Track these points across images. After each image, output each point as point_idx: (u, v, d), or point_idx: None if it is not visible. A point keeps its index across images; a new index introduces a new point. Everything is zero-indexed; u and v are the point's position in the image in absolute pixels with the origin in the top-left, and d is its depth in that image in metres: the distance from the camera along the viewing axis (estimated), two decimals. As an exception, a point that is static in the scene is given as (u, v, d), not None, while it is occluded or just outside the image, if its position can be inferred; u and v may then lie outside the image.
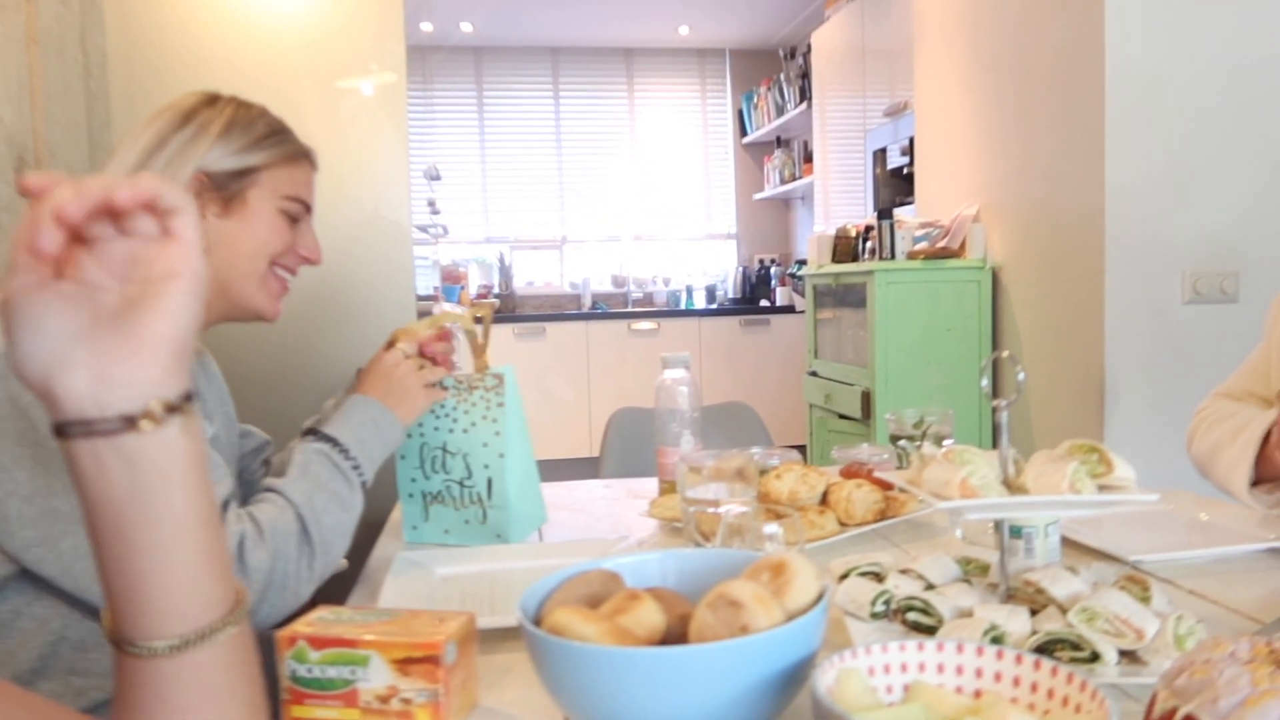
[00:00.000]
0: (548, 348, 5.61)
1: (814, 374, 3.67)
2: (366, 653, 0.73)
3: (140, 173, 0.46)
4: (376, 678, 0.73)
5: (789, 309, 5.95)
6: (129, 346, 0.47)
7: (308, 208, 1.21)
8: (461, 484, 1.28)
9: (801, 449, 4.13)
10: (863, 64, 4.43)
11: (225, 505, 0.99)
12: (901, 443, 1.37)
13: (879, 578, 0.93)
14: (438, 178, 5.50)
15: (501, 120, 6.46)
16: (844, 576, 0.94)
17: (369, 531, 1.44)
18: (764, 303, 6.31)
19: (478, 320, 1.33)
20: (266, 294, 1.17)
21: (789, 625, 0.64)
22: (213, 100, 1.16)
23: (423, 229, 5.57)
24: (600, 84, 6.58)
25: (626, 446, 2.27)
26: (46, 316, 0.46)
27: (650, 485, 1.63)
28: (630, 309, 6.38)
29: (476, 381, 1.28)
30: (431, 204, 5.48)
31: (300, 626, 0.75)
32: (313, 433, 1.15)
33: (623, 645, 0.65)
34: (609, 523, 1.41)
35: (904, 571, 0.92)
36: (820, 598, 0.68)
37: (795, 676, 0.64)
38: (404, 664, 0.73)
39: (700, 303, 6.52)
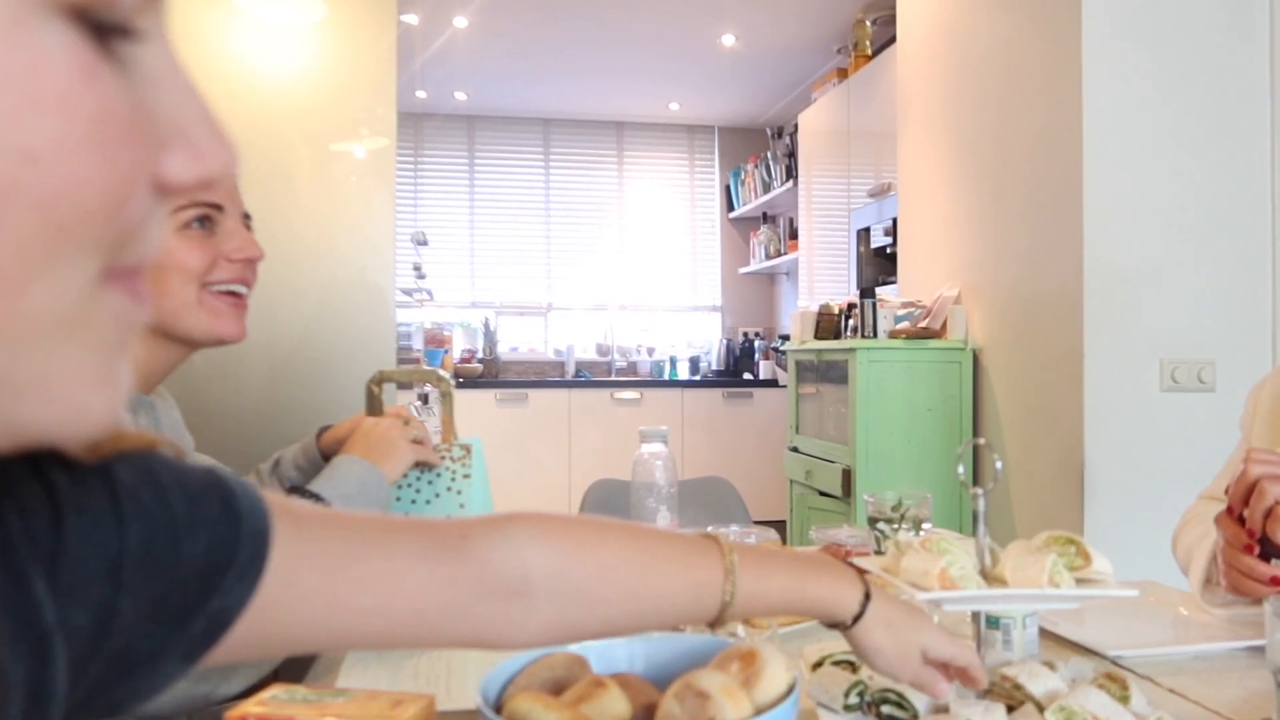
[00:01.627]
0: (529, 414, 5.58)
1: (795, 449, 3.66)
2: (318, 736, 0.70)
3: None
4: (327, 763, 0.70)
5: (772, 383, 5.96)
6: None
7: (218, 206, 1.06)
8: None
9: (780, 525, 4.10)
10: (848, 145, 4.51)
11: None
12: (880, 525, 1.36)
13: (854, 667, 0.91)
14: (424, 243, 5.52)
15: (492, 187, 6.53)
16: (818, 665, 0.92)
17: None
18: (747, 375, 6.32)
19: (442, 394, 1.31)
20: (213, 317, 1.06)
21: (758, 719, 0.62)
22: None
23: (408, 292, 5.58)
24: (590, 155, 6.68)
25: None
26: None
27: (625, 561, 1.60)
28: (614, 378, 6.38)
29: (444, 451, 1.26)
30: (418, 268, 5.50)
31: (251, 706, 0.73)
32: (298, 490, 1.12)
33: (584, 737, 0.62)
34: (581, 599, 1.38)
35: (879, 661, 0.90)
36: (791, 690, 0.66)
37: (763, 774, 0.61)
38: (357, 749, 0.70)
39: (684, 373, 6.53)
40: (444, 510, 1.24)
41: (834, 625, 0.74)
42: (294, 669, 1.99)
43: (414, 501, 1.26)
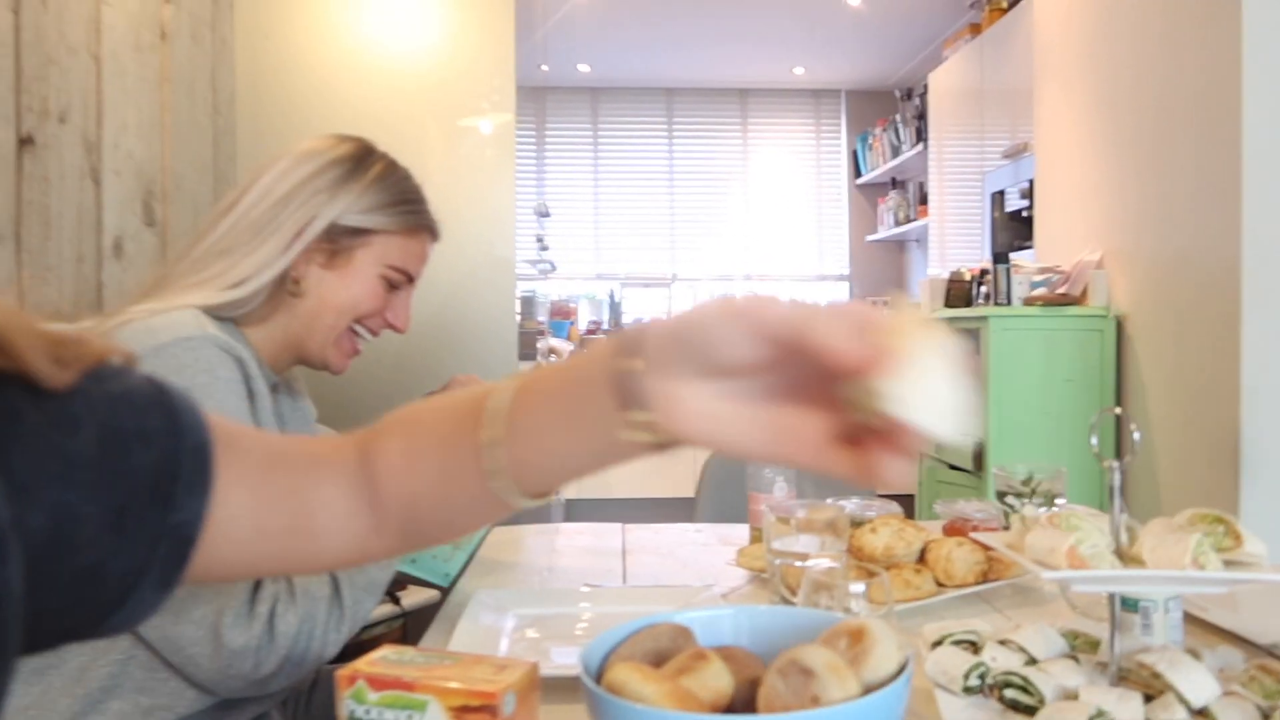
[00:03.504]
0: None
1: (923, 422, 3.55)
2: (424, 697, 0.71)
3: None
4: (434, 724, 0.71)
5: (900, 353, 5.79)
6: None
7: (411, 279, 1.20)
8: None
9: (909, 500, 3.99)
10: (981, 105, 4.31)
11: None
12: (1008, 499, 1.29)
13: (975, 647, 0.86)
14: (547, 214, 5.58)
15: (615, 158, 6.54)
16: (937, 644, 0.88)
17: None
18: (874, 346, 6.16)
19: None
20: (337, 351, 1.17)
21: (864, 699, 0.59)
22: (367, 153, 1.16)
23: (531, 264, 5.66)
24: (714, 123, 6.61)
25: (723, 490, 2.22)
26: None
27: (743, 532, 1.58)
28: (737, 349, 6.32)
29: None
30: (540, 240, 5.57)
31: (361, 665, 0.74)
32: None
33: (682, 709, 0.61)
34: (695, 570, 1.37)
35: (1003, 642, 0.85)
36: (902, 670, 0.63)
37: (870, 757, 0.59)
38: (461, 712, 0.70)
39: (809, 345, 6.42)
40: None
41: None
42: (412, 629, 2.05)
43: None
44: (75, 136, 1.41)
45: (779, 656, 0.64)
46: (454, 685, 0.71)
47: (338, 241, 1.12)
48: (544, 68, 5.88)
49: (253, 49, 2.21)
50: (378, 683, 0.73)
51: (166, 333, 0.96)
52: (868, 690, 0.61)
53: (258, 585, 0.95)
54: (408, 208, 1.17)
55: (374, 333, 1.21)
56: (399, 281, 1.18)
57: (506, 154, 2.34)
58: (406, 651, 0.79)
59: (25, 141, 1.28)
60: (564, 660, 0.96)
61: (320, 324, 1.14)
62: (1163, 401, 2.72)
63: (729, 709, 0.66)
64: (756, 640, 0.75)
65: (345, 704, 0.73)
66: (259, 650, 0.94)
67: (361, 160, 1.15)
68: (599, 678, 0.67)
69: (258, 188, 1.11)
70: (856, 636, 0.66)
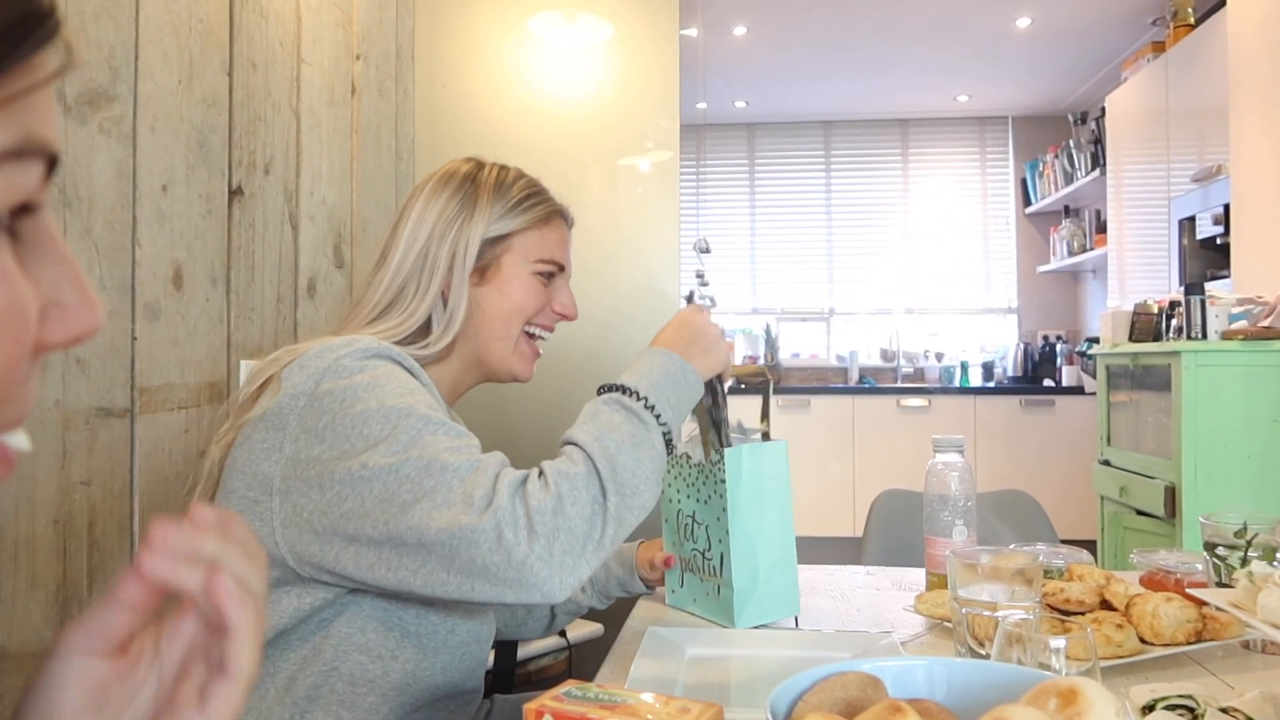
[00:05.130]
0: (811, 420, 5.51)
1: (1106, 463, 3.34)
2: (610, 737, 0.71)
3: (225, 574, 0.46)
4: (618, 763, 0.70)
5: (1077, 390, 5.49)
6: None
7: (562, 267, 1.22)
8: (704, 555, 1.27)
9: (1090, 545, 3.75)
10: (1166, 126, 4.06)
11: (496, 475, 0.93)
12: (1219, 550, 1.19)
13: (1194, 715, 0.79)
14: (707, 250, 5.60)
15: (772, 192, 6.52)
16: (1149, 709, 0.81)
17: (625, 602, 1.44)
18: (1048, 382, 5.86)
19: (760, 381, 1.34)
20: (519, 357, 1.19)
21: (1083, 768, 0.55)
22: (478, 168, 1.20)
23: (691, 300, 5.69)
24: (873, 154, 6.49)
25: (891, 531, 2.15)
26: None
27: (916, 576, 1.52)
28: (900, 384, 6.15)
29: (750, 436, 1.28)
30: (700, 275, 5.59)
31: (548, 701, 0.75)
32: (608, 388, 1.08)
33: (882, 766, 0.58)
34: (870, 614, 1.32)
35: (1226, 710, 0.78)
36: (1122, 737, 0.58)
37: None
38: (646, 753, 0.70)
39: (976, 379, 6.17)
40: (714, 511, 1.25)
41: None
42: (588, 658, 2.07)
43: (694, 499, 1.28)
44: (277, 186, 1.51)
45: (983, 713, 0.60)
46: (640, 726, 0.70)
47: (483, 257, 1.16)
48: (701, 105, 5.94)
49: (432, 99, 2.33)
50: (564, 718, 0.73)
51: (344, 347, 1.00)
52: (1085, 757, 0.57)
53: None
54: (532, 201, 1.19)
55: (549, 329, 1.23)
56: (552, 272, 1.20)
57: (670, 191, 2.37)
58: (590, 688, 0.79)
59: (235, 193, 1.38)
60: (744, 702, 0.94)
61: (494, 337, 1.17)
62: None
63: (926, 767, 0.63)
64: (952, 695, 0.71)
65: (532, 738, 0.74)
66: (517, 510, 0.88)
67: (475, 177, 1.18)
68: (788, 726, 0.66)
69: (402, 238, 1.15)
70: (1068, 698, 0.61)
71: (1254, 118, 3.15)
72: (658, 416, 1.01)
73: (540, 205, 1.20)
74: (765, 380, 1.36)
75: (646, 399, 1.02)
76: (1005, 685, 0.70)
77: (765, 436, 1.30)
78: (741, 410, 1.30)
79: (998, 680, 0.70)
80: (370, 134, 1.94)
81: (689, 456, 1.30)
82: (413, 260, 1.14)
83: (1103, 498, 3.36)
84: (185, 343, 1.26)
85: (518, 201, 1.18)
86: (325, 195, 1.72)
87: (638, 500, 0.95)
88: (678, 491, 1.33)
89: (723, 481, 1.21)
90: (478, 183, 1.18)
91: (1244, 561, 1.09)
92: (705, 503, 1.27)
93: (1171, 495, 2.77)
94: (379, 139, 2.00)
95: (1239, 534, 1.11)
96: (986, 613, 0.99)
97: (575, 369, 2.31)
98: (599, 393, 1.05)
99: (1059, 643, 0.82)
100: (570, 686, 0.78)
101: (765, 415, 1.32)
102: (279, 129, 1.50)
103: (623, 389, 1.03)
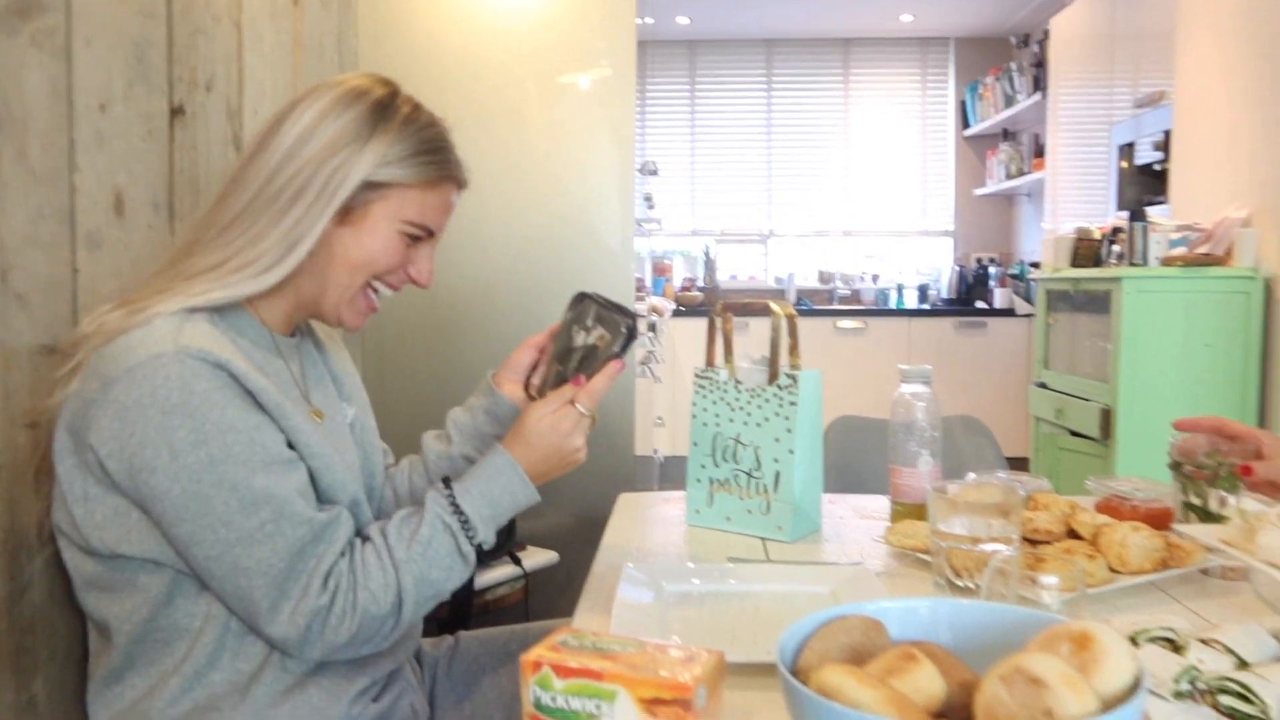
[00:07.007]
0: (749, 342, 5.53)
1: (1043, 385, 3.42)
2: (614, 688, 0.69)
3: None
4: (622, 715, 0.69)
5: (1009, 312, 5.61)
6: None
7: (432, 233, 1.10)
8: (750, 474, 1.36)
9: (1022, 464, 3.87)
10: (1111, 51, 4.08)
11: (343, 551, 0.98)
12: (1185, 469, 1.19)
13: (1176, 647, 0.81)
14: (654, 172, 5.52)
15: (713, 113, 6.43)
16: (1132, 642, 0.83)
17: (591, 528, 1.43)
18: (980, 304, 5.97)
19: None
20: (352, 310, 1.09)
21: (1107, 717, 0.55)
22: (392, 97, 1.06)
23: (638, 222, 5.64)
24: (815, 75, 6.43)
25: (845, 457, 2.17)
26: None
27: (879, 504, 1.53)
28: (836, 306, 6.21)
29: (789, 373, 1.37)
30: (648, 198, 5.52)
31: (545, 651, 0.73)
32: (449, 488, 1.05)
33: (903, 718, 0.58)
34: (837, 544, 1.34)
35: (1206, 642, 0.80)
36: (1138, 684, 0.59)
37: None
38: (652, 704, 0.68)
39: (911, 302, 6.26)
40: (772, 433, 1.35)
41: None
42: (556, 599, 2.07)
43: (745, 424, 1.37)
44: (220, 104, 1.42)
45: (1001, 663, 0.60)
46: (646, 675, 0.69)
47: (354, 196, 1.02)
48: (648, 20, 5.78)
49: (374, 13, 2.22)
50: (564, 671, 0.72)
51: (142, 349, 0.92)
52: (1104, 705, 0.57)
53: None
54: (430, 158, 1.06)
55: (394, 288, 1.12)
56: (420, 235, 1.08)
57: (625, 110, 2.31)
58: (585, 636, 0.78)
59: (177, 111, 1.29)
60: (739, 643, 0.94)
61: (335, 283, 1.06)
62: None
63: (941, 715, 0.63)
64: (956, 636, 0.71)
65: (531, 690, 0.72)
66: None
67: (386, 106, 1.04)
68: (800, 674, 0.65)
69: (280, 140, 1.02)
70: (1082, 643, 0.61)
71: (1202, 43, 3.17)
72: (480, 547, 1.05)
73: (436, 164, 1.07)
74: (790, 314, 1.41)
75: (478, 535, 1.04)
76: (1009, 626, 0.70)
77: (794, 368, 1.39)
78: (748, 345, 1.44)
79: (1002, 622, 0.71)
80: (314, 48, 1.83)
81: (739, 383, 1.40)
82: (283, 179, 1.00)
83: (1037, 419, 3.46)
84: (128, 274, 1.18)
85: (415, 151, 1.05)
86: (269, 113, 1.62)
87: (432, 603, 1.03)
88: (716, 415, 1.40)
89: (792, 404, 1.34)
90: (387, 114, 1.04)
91: (1213, 483, 1.11)
92: (760, 425, 1.36)
93: (1107, 417, 2.86)
94: (322, 53, 1.89)
95: (1210, 454, 1.13)
96: (966, 546, 1.00)
97: (535, 289, 2.28)
98: (445, 486, 1.05)
99: (1051, 580, 0.83)
100: (566, 635, 0.77)
101: (794, 350, 1.40)
102: (220, 42, 1.41)
103: (464, 521, 1.03)
